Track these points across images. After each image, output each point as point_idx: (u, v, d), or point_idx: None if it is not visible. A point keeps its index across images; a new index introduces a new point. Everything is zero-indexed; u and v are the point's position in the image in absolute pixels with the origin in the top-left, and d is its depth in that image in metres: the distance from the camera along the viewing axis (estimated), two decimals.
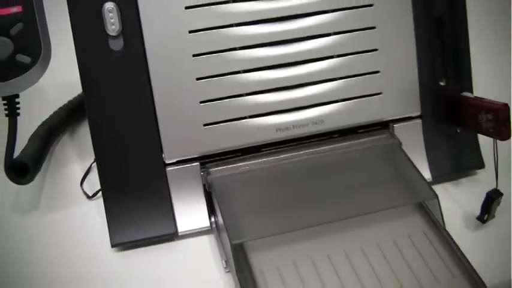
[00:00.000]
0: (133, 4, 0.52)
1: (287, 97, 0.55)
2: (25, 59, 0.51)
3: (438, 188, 0.56)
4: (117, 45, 0.52)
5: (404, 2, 0.56)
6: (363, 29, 0.55)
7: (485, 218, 0.53)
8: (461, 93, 0.58)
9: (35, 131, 0.65)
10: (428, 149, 0.59)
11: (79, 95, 0.71)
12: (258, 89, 0.54)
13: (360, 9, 0.55)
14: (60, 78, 0.67)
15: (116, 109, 0.53)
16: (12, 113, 0.55)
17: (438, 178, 0.59)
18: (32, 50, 0.51)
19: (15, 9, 0.51)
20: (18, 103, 0.55)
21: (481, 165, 0.60)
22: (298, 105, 0.55)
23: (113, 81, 0.52)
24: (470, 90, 0.59)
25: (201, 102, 0.53)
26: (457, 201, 0.57)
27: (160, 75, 0.52)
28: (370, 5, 0.55)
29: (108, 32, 0.51)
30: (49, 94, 0.75)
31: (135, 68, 0.52)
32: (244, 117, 0.54)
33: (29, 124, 0.63)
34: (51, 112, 0.69)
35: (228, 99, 0.54)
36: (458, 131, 0.59)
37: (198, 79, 0.53)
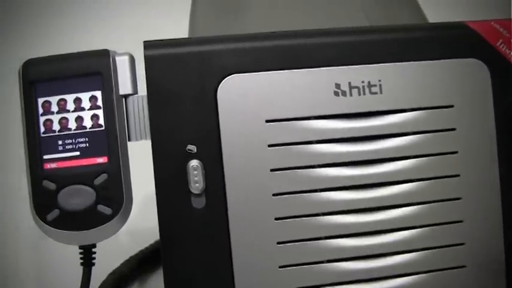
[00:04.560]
0: (219, 163, 0.52)
1: (366, 266, 0.53)
2: (106, 210, 0.51)
3: None
4: (199, 203, 0.52)
5: (491, 173, 0.55)
6: (448, 199, 0.54)
7: None
8: None
9: (104, 280, 0.64)
10: None
11: (151, 245, 0.71)
12: (338, 257, 0.53)
13: (445, 179, 0.54)
14: (133, 226, 0.67)
15: (192, 265, 0.52)
16: (88, 262, 0.54)
17: None
18: (114, 201, 0.51)
19: (100, 160, 0.52)
20: (94, 253, 0.54)
21: None
22: (379, 275, 0.53)
23: (192, 238, 0.52)
24: None
25: (280, 267, 0.52)
26: None
27: (241, 237, 0.52)
28: (457, 175, 0.54)
29: (191, 189, 0.51)
30: (121, 241, 0.75)
31: (216, 227, 0.52)
32: (324, 285, 0.52)
33: (98, 271, 0.62)
34: (121, 260, 0.69)
35: (308, 266, 0.52)
36: None
37: (279, 243, 0.52)
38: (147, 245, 0.72)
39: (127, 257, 0.70)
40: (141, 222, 0.64)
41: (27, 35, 1.01)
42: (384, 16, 0.65)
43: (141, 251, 0.71)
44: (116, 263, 0.68)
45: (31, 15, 1.04)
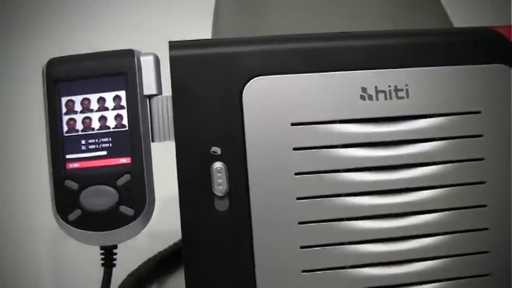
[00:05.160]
0: (243, 166, 0.51)
1: (389, 272, 0.52)
2: (128, 211, 0.51)
3: None
4: (222, 206, 0.51)
5: None
6: (473, 206, 0.53)
7: None
8: None
9: (123, 281, 0.64)
10: None
11: (169, 247, 0.71)
12: (361, 262, 0.52)
13: (471, 186, 0.53)
14: (152, 228, 0.67)
15: (214, 268, 0.51)
16: (109, 263, 0.54)
17: None
18: (136, 202, 0.51)
19: (124, 160, 0.51)
20: (115, 254, 0.54)
21: None
22: (402, 281, 0.52)
23: (215, 241, 0.51)
24: None
25: (303, 271, 0.51)
26: None
27: (264, 241, 0.51)
28: (483, 182, 0.53)
29: (214, 192, 0.51)
30: (140, 243, 0.74)
31: (239, 230, 0.51)
32: None
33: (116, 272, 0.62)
34: (140, 261, 0.68)
35: (331, 271, 0.52)
36: None
37: (302, 247, 0.51)
38: (166, 246, 0.71)
39: (145, 259, 0.69)
40: (161, 226, 0.63)
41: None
42: (409, 19, 0.64)
43: (160, 253, 0.70)
44: (135, 264, 0.68)
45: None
